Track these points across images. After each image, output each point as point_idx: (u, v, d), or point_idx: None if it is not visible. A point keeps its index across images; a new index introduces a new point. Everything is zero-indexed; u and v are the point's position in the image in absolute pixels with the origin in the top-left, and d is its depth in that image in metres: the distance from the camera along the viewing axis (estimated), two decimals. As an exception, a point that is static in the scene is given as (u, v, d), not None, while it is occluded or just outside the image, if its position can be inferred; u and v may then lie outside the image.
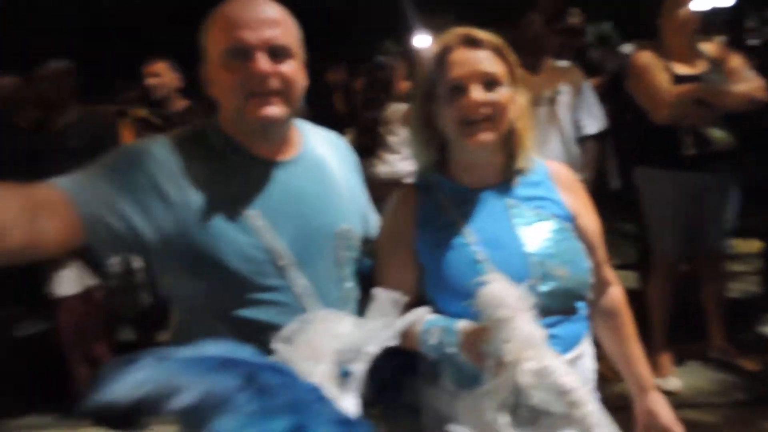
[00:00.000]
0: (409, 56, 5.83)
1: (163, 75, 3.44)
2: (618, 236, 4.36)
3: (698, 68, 2.66)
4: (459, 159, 1.26)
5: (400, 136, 2.78)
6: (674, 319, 2.82)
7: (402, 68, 3.05)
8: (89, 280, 2.96)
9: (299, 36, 1.17)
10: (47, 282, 2.95)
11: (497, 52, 1.21)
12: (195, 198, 1.06)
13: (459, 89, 1.17)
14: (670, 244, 2.74)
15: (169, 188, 1.04)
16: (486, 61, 1.19)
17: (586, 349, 1.25)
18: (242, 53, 1.06)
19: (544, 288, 1.15)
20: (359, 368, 1.03)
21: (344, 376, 1.02)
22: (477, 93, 1.16)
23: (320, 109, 3.53)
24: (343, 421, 0.90)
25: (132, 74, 3.81)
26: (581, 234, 1.28)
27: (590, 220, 1.33)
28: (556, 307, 1.18)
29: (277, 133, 1.16)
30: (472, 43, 1.20)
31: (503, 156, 1.26)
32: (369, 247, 1.32)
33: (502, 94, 1.18)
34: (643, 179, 2.80)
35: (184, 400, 0.75)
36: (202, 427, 0.77)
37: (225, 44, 1.07)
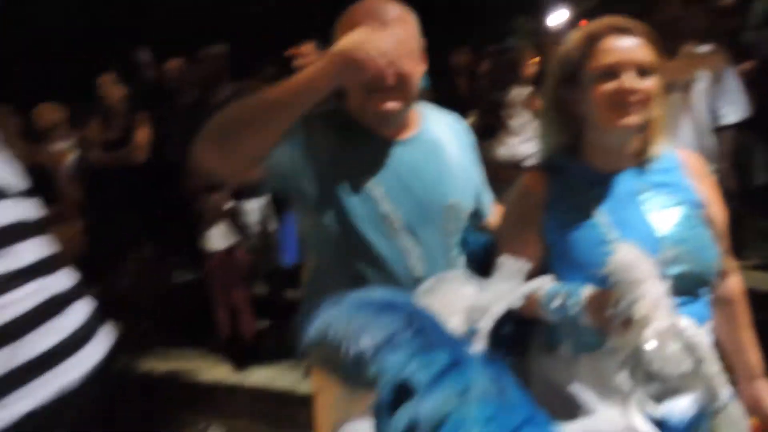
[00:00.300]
0: (545, 36, 5.69)
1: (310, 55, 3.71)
2: (760, 235, 4.05)
3: None
4: (595, 143, 1.30)
5: (521, 120, 2.83)
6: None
7: (529, 51, 3.07)
8: (234, 238, 3.37)
9: (418, 30, 1.30)
10: (201, 238, 3.42)
11: (648, 40, 1.24)
12: (331, 163, 1.26)
13: (610, 75, 1.21)
14: None
15: (320, 154, 1.26)
16: (639, 49, 1.22)
17: (708, 333, 1.25)
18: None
19: (673, 271, 1.18)
20: (485, 326, 1.14)
21: (471, 333, 1.14)
22: (630, 80, 1.20)
23: (443, 91, 3.63)
24: (487, 361, 1.01)
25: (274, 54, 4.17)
26: (709, 223, 1.29)
27: (718, 210, 1.34)
28: (686, 290, 1.20)
29: (395, 121, 1.31)
30: (623, 31, 1.24)
31: (638, 141, 1.30)
32: (478, 222, 1.44)
33: (652, 82, 1.22)
34: None
35: (364, 342, 0.84)
36: (365, 366, 0.85)
37: None
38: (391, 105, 1.25)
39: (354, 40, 1.10)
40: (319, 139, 1.27)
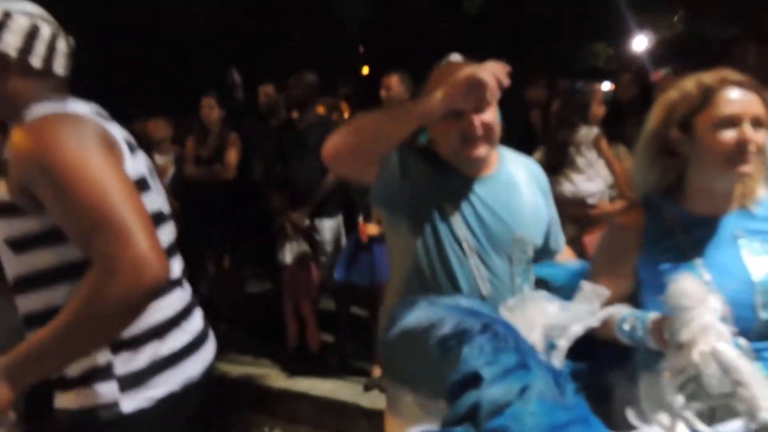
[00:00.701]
0: (631, 67, 5.64)
1: (395, 88, 3.92)
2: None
3: None
4: (699, 186, 1.36)
5: (587, 158, 2.91)
6: None
7: (599, 93, 3.15)
8: (307, 254, 3.61)
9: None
10: (277, 250, 3.68)
11: (760, 95, 1.31)
12: (423, 189, 1.48)
13: (729, 125, 1.28)
14: None
15: (414, 176, 1.47)
16: (755, 103, 1.30)
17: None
18: (457, 113, 1.43)
19: (766, 315, 1.24)
20: (563, 344, 1.27)
21: (550, 348, 1.27)
22: (749, 131, 1.28)
23: (517, 124, 3.72)
24: (553, 368, 1.14)
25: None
26: None
27: None
28: None
29: (480, 163, 1.53)
30: (739, 84, 1.31)
31: (740, 187, 1.36)
32: (551, 257, 1.63)
33: (762, 135, 1.30)
34: None
35: (445, 329, 1.12)
36: (452, 354, 1.11)
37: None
38: (480, 152, 1.47)
39: (469, 69, 1.27)
40: (416, 169, 1.48)
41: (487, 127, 1.46)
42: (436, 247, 1.46)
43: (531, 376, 1.02)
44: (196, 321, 1.30)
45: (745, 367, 1.09)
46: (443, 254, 1.46)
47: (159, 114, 4.65)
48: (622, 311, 1.33)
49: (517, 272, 1.51)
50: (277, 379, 3.69)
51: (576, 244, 2.97)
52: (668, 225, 1.36)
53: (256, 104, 4.46)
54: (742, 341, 1.20)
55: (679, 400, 1.13)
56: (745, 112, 1.28)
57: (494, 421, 0.96)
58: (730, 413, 1.13)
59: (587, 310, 1.29)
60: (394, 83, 3.67)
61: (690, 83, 1.36)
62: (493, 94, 1.28)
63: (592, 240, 2.92)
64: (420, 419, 1.37)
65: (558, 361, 1.25)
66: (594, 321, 1.28)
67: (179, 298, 1.25)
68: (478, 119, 1.44)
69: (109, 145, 1.08)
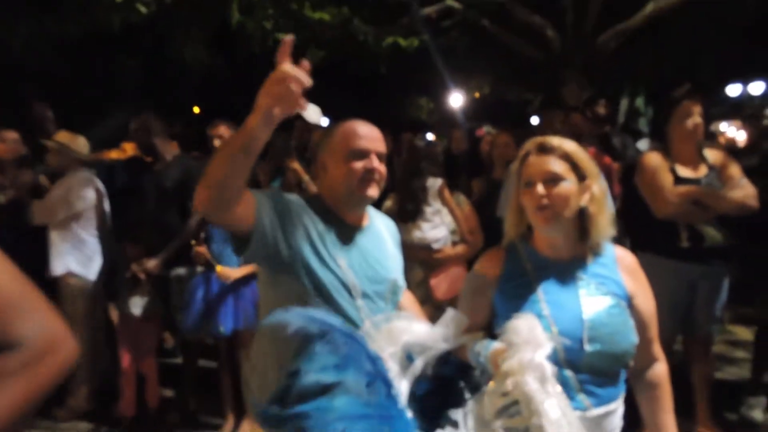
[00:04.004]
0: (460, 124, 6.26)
1: (226, 135, 3.88)
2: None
3: (700, 172, 2.92)
4: (538, 234, 1.57)
5: (433, 207, 3.19)
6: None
7: (440, 146, 3.49)
8: (157, 306, 3.39)
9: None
10: (120, 302, 3.39)
11: (563, 155, 1.50)
12: (311, 237, 1.56)
13: (530, 184, 1.51)
14: (664, 325, 2.95)
15: (299, 225, 1.55)
16: (551, 163, 1.49)
17: (618, 407, 1.50)
18: (361, 154, 1.62)
19: (591, 348, 1.41)
20: (420, 362, 1.43)
21: (409, 361, 1.42)
22: (540, 188, 1.48)
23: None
24: (372, 375, 1.27)
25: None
26: (635, 313, 1.51)
27: (646, 301, 1.55)
28: (599, 366, 1.43)
29: (364, 209, 1.70)
30: (543, 149, 1.52)
31: (575, 234, 1.52)
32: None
33: (562, 188, 1.47)
34: (643, 263, 3.07)
35: (293, 326, 1.25)
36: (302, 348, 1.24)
37: (351, 147, 1.62)
38: (374, 192, 1.64)
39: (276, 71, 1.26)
40: (301, 217, 1.57)
41: (380, 171, 1.63)
42: (324, 292, 1.54)
43: (343, 376, 1.20)
44: None
45: (547, 400, 1.26)
46: (332, 299, 1.54)
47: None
48: (476, 338, 1.52)
49: (390, 311, 1.66)
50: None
51: (423, 286, 3.21)
52: (522, 265, 1.56)
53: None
54: (570, 373, 1.41)
55: (495, 419, 1.31)
56: (537, 173, 1.50)
57: (300, 407, 1.14)
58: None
59: (447, 334, 1.46)
60: (224, 131, 3.68)
61: (521, 150, 1.59)
62: (300, 85, 1.25)
63: (438, 282, 3.18)
64: None
65: (412, 374, 1.41)
66: (451, 344, 1.46)
67: None
68: (377, 160, 1.63)
69: None
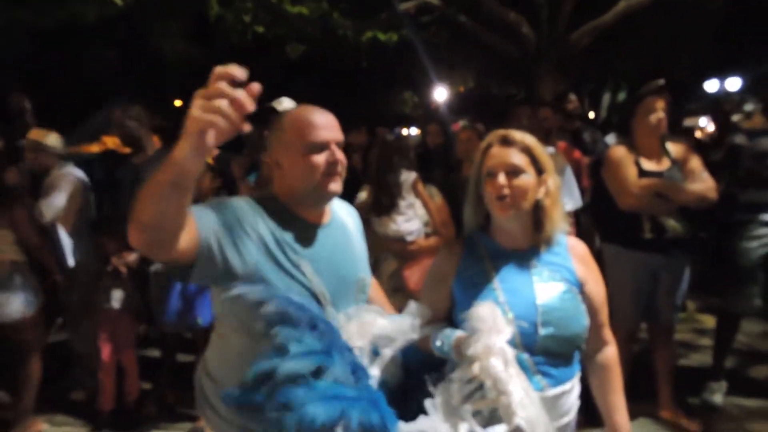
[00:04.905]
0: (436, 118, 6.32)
1: None
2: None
3: (662, 165, 3.03)
4: (496, 225, 1.61)
5: (407, 201, 3.25)
6: (632, 379, 3.20)
7: (413, 139, 3.54)
8: (135, 299, 3.40)
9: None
10: (100, 295, 3.40)
11: (524, 149, 1.56)
12: (267, 245, 1.37)
13: (491, 175, 1.55)
14: (628, 314, 3.10)
15: (252, 235, 1.35)
16: (512, 155, 1.54)
17: (574, 387, 1.57)
18: (321, 147, 1.45)
19: (545, 332, 1.48)
20: (387, 352, 1.45)
21: (375, 354, 1.42)
22: (501, 178, 1.53)
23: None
24: (354, 363, 1.30)
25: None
26: (587, 298, 1.57)
27: (597, 287, 1.62)
28: (553, 349, 1.49)
29: (325, 205, 1.54)
30: (505, 142, 1.57)
31: (531, 225, 1.58)
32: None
33: (522, 180, 1.53)
34: (609, 254, 3.17)
35: (274, 306, 1.24)
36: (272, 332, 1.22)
37: (308, 140, 1.44)
38: (337, 187, 1.47)
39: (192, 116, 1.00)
40: (253, 224, 1.37)
41: (343, 162, 1.48)
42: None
43: (330, 362, 1.19)
44: None
45: (511, 381, 1.33)
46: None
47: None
48: (437, 328, 1.57)
49: None
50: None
51: (397, 276, 3.28)
52: (480, 255, 1.62)
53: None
54: (526, 356, 1.47)
55: (463, 404, 1.36)
56: (499, 165, 1.55)
57: (288, 391, 1.12)
58: (493, 419, 1.37)
59: (411, 326, 1.50)
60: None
61: (483, 143, 1.64)
62: (240, 108, 1.00)
63: (411, 273, 3.25)
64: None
65: (379, 366, 1.43)
66: (415, 335, 1.50)
67: None
68: (338, 150, 1.46)
69: None
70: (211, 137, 1.00)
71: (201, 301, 3.24)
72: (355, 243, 1.65)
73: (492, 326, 1.37)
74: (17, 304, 3.07)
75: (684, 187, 2.98)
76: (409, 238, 3.24)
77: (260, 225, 1.39)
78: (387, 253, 3.27)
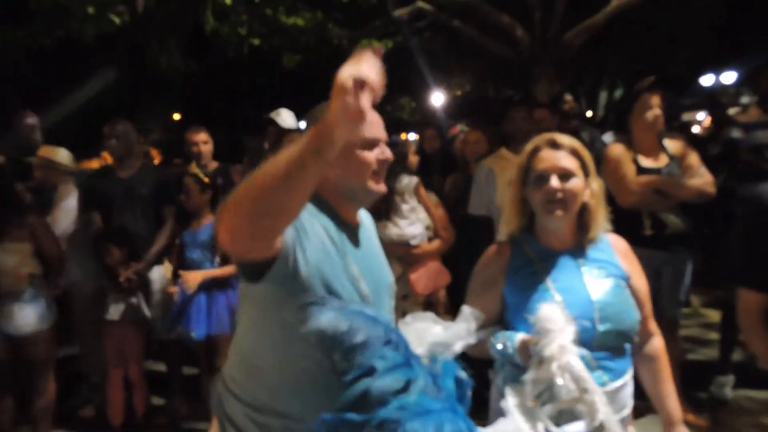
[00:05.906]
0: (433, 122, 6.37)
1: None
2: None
3: (660, 162, 3.05)
4: (543, 227, 1.64)
5: (410, 204, 3.27)
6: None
7: (412, 144, 3.58)
8: (140, 309, 3.41)
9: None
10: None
11: (572, 152, 1.59)
12: (324, 244, 1.30)
13: (543, 178, 1.58)
14: None
15: (311, 234, 1.27)
16: (563, 159, 1.58)
17: (629, 381, 1.57)
18: (372, 144, 1.38)
19: (602, 328, 1.50)
20: (443, 359, 1.39)
21: (433, 362, 1.34)
22: (555, 182, 1.56)
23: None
24: (432, 372, 1.26)
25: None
26: (633, 292, 1.61)
27: (641, 281, 1.66)
28: (610, 344, 1.51)
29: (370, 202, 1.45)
30: (555, 145, 1.60)
31: (577, 226, 1.61)
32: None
33: (573, 183, 1.57)
34: None
35: (359, 337, 1.14)
36: (355, 358, 1.13)
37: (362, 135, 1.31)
38: (383, 187, 1.39)
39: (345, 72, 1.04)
40: (314, 225, 1.30)
41: (390, 162, 1.41)
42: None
43: (413, 374, 1.17)
44: None
45: (590, 379, 1.36)
46: None
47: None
48: (494, 332, 1.58)
49: (390, 313, 1.51)
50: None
51: (403, 281, 3.29)
52: (527, 257, 1.64)
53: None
54: (585, 352, 1.48)
55: (538, 405, 1.37)
56: (551, 168, 1.58)
57: (383, 411, 1.08)
58: (572, 417, 1.39)
59: (466, 331, 1.46)
60: (205, 136, 3.71)
61: (529, 145, 1.66)
62: (379, 84, 1.04)
63: (417, 277, 3.27)
64: None
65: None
66: (472, 340, 1.46)
67: None
68: (388, 151, 1.40)
69: None
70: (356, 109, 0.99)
71: (196, 314, 3.24)
72: (378, 246, 1.59)
73: (562, 327, 1.39)
74: (32, 318, 3.06)
75: (683, 182, 3.00)
76: (413, 242, 3.26)
77: (318, 225, 1.32)
78: (391, 259, 3.28)
